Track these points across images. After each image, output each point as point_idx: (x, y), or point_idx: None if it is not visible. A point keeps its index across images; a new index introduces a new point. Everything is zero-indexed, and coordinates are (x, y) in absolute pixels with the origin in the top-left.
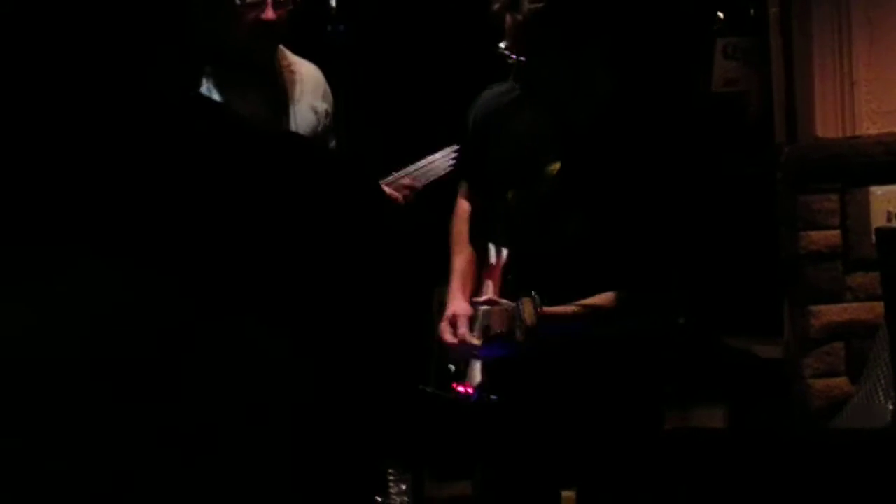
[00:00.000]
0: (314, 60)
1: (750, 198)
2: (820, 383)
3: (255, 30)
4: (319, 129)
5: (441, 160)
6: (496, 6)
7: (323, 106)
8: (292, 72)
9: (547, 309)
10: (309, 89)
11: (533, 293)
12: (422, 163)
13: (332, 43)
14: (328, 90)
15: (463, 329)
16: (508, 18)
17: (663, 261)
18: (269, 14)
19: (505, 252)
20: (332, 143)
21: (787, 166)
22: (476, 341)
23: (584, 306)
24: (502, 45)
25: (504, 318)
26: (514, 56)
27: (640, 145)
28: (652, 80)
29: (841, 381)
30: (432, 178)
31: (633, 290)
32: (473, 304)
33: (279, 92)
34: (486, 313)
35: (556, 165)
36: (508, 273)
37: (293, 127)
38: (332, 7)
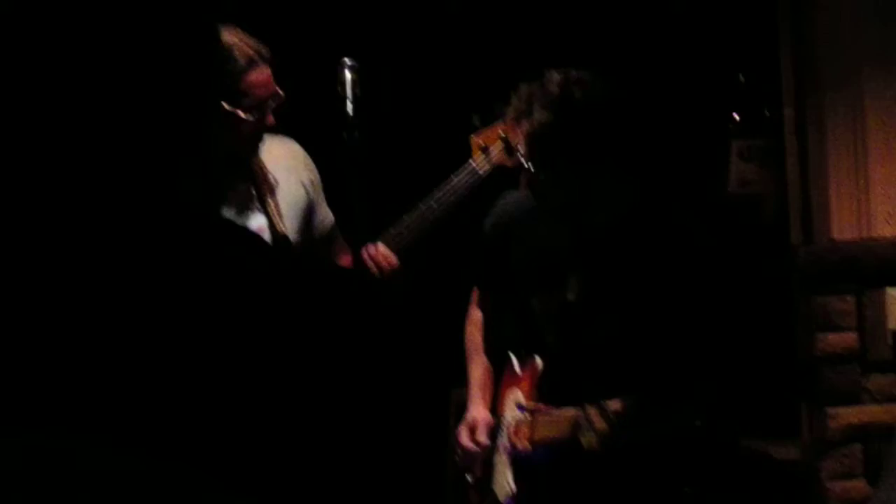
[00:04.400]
0: (330, 166)
1: (766, 299)
2: (838, 486)
3: (255, 136)
4: (309, 200)
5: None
6: (511, 115)
7: (308, 177)
8: (268, 152)
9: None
10: (290, 165)
11: (601, 401)
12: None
13: (348, 149)
14: (309, 160)
15: (483, 436)
16: (522, 126)
17: (689, 365)
18: (271, 121)
19: (538, 361)
20: (326, 211)
21: (803, 268)
22: (525, 446)
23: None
24: (519, 151)
25: (560, 425)
26: (528, 165)
27: (661, 252)
28: (669, 185)
29: (858, 484)
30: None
31: (660, 393)
32: (515, 409)
33: (263, 176)
34: (526, 420)
35: (580, 274)
36: (544, 382)
37: (284, 205)
38: (348, 114)
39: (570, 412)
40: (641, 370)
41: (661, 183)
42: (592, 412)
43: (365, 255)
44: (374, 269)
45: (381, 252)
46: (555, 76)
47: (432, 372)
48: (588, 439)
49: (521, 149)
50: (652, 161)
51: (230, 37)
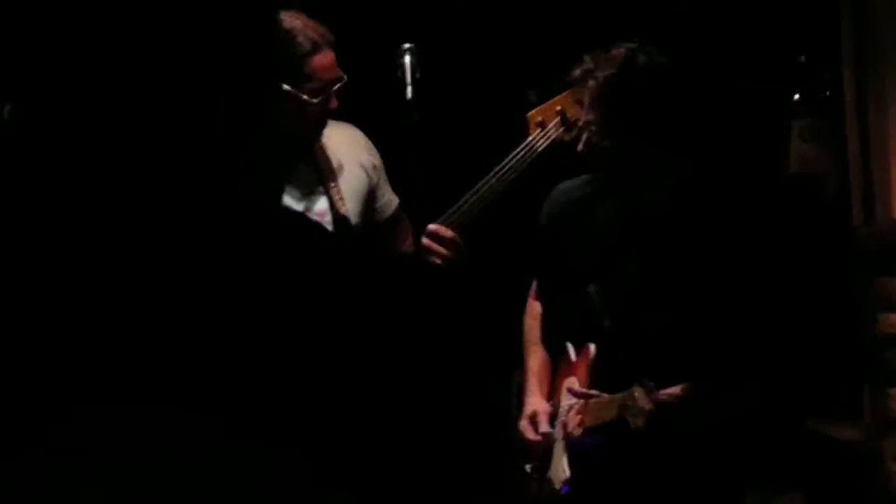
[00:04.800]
0: (391, 149)
1: (828, 280)
2: None
3: (319, 119)
4: (371, 183)
5: (518, 158)
6: (576, 73)
7: (369, 160)
8: (330, 137)
9: (661, 393)
10: (352, 150)
11: (645, 380)
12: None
13: (408, 132)
14: (370, 144)
15: (545, 426)
16: (585, 88)
17: (747, 352)
18: (335, 104)
19: (592, 348)
20: (390, 194)
21: (864, 248)
22: (577, 432)
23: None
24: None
25: (609, 409)
26: (588, 129)
27: (721, 235)
28: (728, 165)
29: None
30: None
31: (715, 380)
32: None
33: (322, 158)
34: (579, 406)
35: (638, 261)
36: (598, 368)
37: (347, 189)
38: (407, 98)
39: (619, 396)
40: (698, 356)
41: (720, 162)
42: (640, 394)
43: (425, 236)
44: (436, 248)
45: (440, 231)
46: (620, 45)
47: (494, 352)
48: (635, 420)
49: (581, 116)
50: (711, 138)
51: (295, 21)
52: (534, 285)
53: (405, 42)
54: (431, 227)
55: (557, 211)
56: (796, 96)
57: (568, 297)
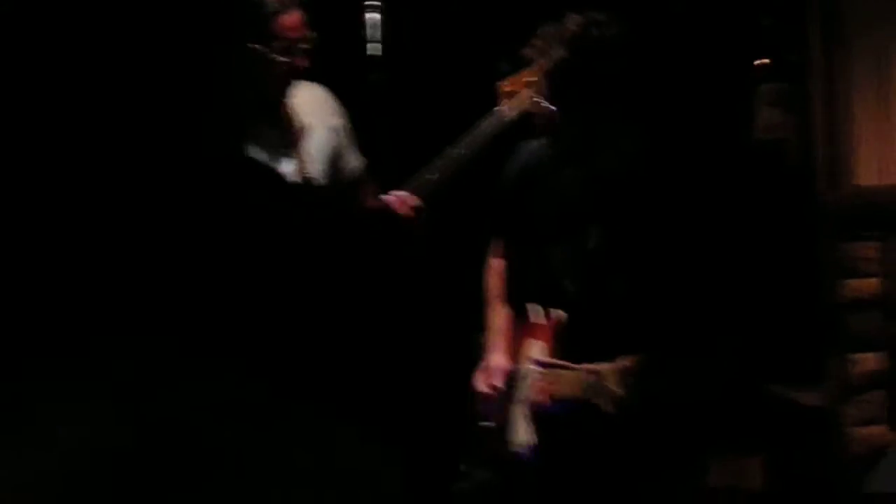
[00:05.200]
0: (356, 109)
1: (791, 245)
2: (860, 431)
3: (287, 78)
4: (337, 144)
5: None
6: (528, 51)
7: (336, 122)
8: (296, 98)
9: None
10: (318, 111)
11: (616, 360)
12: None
13: (373, 91)
14: (337, 106)
15: (498, 382)
16: (541, 63)
17: (711, 317)
18: (303, 63)
19: (560, 314)
20: (357, 156)
21: (827, 214)
22: (545, 401)
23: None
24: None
25: (577, 382)
26: (545, 104)
27: (681, 200)
28: (688, 132)
29: (881, 430)
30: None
31: (681, 348)
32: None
33: (292, 122)
34: (546, 375)
35: (599, 223)
36: (564, 335)
37: (314, 150)
38: (373, 56)
39: (586, 373)
40: (662, 322)
41: (680, 129)
42: (608, 373)
43: (390, 199)
44: (400, 210)
45: (404, 196)
46: (574, 17)
47: (454, 317)
48: (606, 404)
49: (542, 88)
50: (669, 106)
51: None
52: (496, 242)
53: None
54: (398, 192)
55: (521, 171)
56: (764, 60)
57: (529, 258)
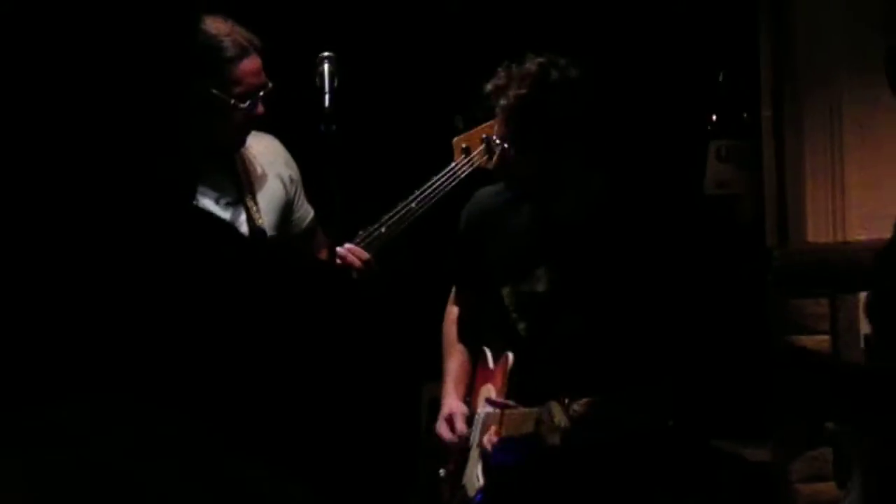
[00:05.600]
0: (308, 159)
1: (740, 300)
2: (807, 488)
3: (244, 126)
4: (289, 196)
5: (441, 183)
6: (489, 87)
7: (287, 173)
8: (249, 148)
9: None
10: (270, 159)
11: (561, 397)
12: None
13: (324, 142)
14: (289, 157)
15: (461, 426)
16: (499, 103)
17: (658, 363)
18: (261, 110)
19: (510, 356)
20: (306, 206)
21: (777, 270)
22: (488, 446)
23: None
24: (494, 136)
25: (525, 422)
26: (502, 144)
27: (632, 247)
28: (642, 180)
29: (828, 486)
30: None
31: (627, 392)
32: (486, 405)
33: (241, 168)
34: (495, 416)
35: (550, 266)
36: (514, 376)
37: (264, 200)
38: (325, 107)
39: (535, 410)
40: (610, 365)
41: (633, 177)
42: (556, 410)
43: (341, 252)
44: (351, 263)
45: (356, 251)
46: (534, 58)
47: (405, 367)
48: (552, 437)
49: (498, 131)
50: (624, 154)
51: (223, 26)
52: (453, 291)
53: (324, 51)
54: (348, 245)
55: (476, 217)
56: (714, 117)
57: (485, 303)
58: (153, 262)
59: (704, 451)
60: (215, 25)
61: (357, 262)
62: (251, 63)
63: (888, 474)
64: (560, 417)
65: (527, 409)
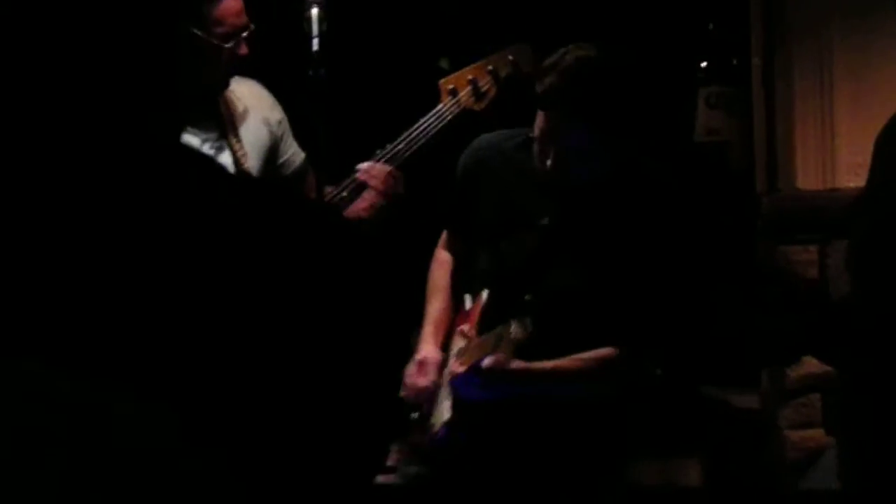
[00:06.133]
0: (296, 103)
1: (730, 247)
2: (796, 434)
3: (230, 67)
4: (274, 139)
5: (428, 124)
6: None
7: (273, 116)
8: (232, 93)
9: (536, 365)
10: (255, 103)
11: (522, 317)
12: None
13: (312, 86)
14: (274, 100)
15: (433, 374)
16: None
17: (647, 317)
18: (245, 50)
19: (483, 294)
20: (295, 149)
21: (767, 216)
22: (459, 369)
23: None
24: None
25: (487, 344)
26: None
27: (631, 208)
28: (641, 138)
29: (817, 433)
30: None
31: (616, 346)
32: (459, 339)
33: (225, 113)
34: (464, 349)
35: (547, 219)
36: (489, 312)
37: (246, 144)
38: (314, 51)
39: (496, 329)
40: (597, 322)
41: (636, 138)
42: (515, 326)
43: (360, 175)
44: (375, 179)
45: (376, 167)
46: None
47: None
48: (508, 349)
49: (491, 86)
50: (631, 120)
51: None
52: (444, 235)
53: None
54: (367, 163)
55: (474, 164)
56: (704, 64)
57: (477, 250)
58: (141, 204)
59: (693, 398)
60: None
61: (382, 175)
62: (233, 3)
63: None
64: (518, 332)
65: (486, 335)
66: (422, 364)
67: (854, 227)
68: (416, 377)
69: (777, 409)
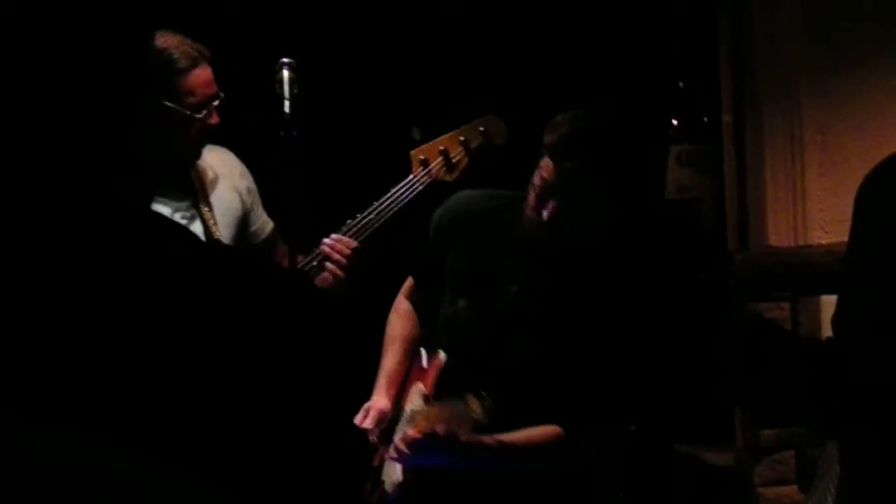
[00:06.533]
0: (266, 166)
1: (702, 304)
2: (770, 492)
3: (199, 137)
4: (245, 207)
5: (399, 195)
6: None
7: (243, 184)
8: (203, 161)
9: (493, 438)
10: (225, 172)
11: (481, 392)
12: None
13: (285, 149)
14: (244, 169)
15: (369, 422)
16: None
17: (595, 396)
18: (216, 119)
19: (441, 356)
20: (265, 218)
21: (738, 274)
22: (401, 444)
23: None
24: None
25: (443, 416)
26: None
27: (601, 276)
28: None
29: (791, 490)
30: (393, 212)
31: (569, 425)
32: (418, 401)
33: (196, 182)
34: (421, 412)
35: (516, 287)
36: (444, 376)
37: (217, 212)
38: (286, 114)
39: (452, 402)
40: (554, 394)
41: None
42: (473, 403)
43: (326, 242)
44: (339, 251)
45: (342, 239)
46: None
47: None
48: (465, 429)
49: (462, 156)
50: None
51: (171, 39)
52: (407, 283)
53: (283, 57)
54: (333, 236)
55: (454, 218)
56: (675, 121)
57: (438, 305)
58: (108, 270)
59: (667, 455)
60: (163, 38)
61: (345, 252)
62: (202, 73)
63: (861, 474)
64: (477, 410)
65: (445, 403)
66: (367, 411)
67: (856, 288)
68: (359, 422)
69: (751, 466)
